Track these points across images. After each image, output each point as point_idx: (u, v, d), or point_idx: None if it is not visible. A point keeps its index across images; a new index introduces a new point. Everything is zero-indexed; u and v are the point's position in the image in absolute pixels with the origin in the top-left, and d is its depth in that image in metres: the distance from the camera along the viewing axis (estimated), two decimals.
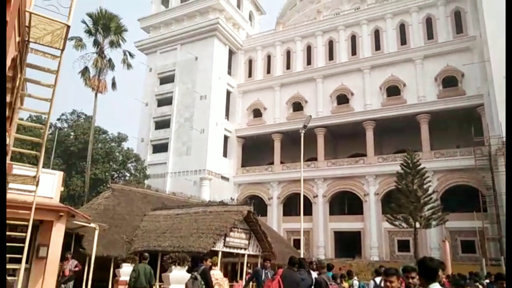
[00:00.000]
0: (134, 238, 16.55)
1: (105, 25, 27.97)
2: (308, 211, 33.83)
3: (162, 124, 40.75)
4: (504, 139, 25.05)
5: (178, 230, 15.90)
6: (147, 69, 43.73)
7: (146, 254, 10.74)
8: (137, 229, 17.24)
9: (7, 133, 5.39)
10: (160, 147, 39.85)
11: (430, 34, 34.68)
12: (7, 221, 7.49)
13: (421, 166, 25.00)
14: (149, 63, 43.82)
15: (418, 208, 23.63)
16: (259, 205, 35.99)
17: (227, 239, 15.11)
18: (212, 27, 40.24)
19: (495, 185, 25.77)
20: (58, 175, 11.56)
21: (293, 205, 35.68)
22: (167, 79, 42.14)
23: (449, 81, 32.58)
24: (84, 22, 27.87)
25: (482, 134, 28.83)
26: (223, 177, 38.28)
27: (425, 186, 24.69)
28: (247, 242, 16.20)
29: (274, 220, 35.72)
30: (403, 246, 30.54)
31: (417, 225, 23.74)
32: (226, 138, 40.14)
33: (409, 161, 24.97)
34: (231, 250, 15.68)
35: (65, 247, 11.58)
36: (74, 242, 13.99)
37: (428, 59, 33.80)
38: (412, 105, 33.22)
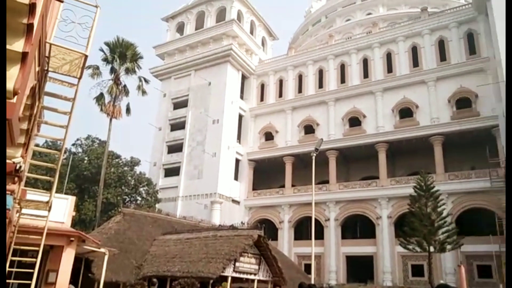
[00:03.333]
0: (144, 263, 16.57)
1: (121, 53, 28.83)
2: (320, 235, 33.39)
3: (175, 148, 41.23)
4: None
5: (187, 255, 15.89)
6: (161, 94, 44.63)
7: (155, 279, 10.75)
8: (147, 254, 17.27)
9: (22, 159, 5.57)
10: (172, 171, 40.18)
11: (443, 56, 34.72)
12: (19, 247, 7.62)
13: (435, 189, 24.52)
14: (164, 88, 44.76)
15: (432, 231, 23.10)
16: (270, 229, 35.70)
17: (237, 264, 14.99)
18: (226, 53, 41.09)
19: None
20: (71, 200, 11.76)
21: (304, 229, 35.25)
22: (180, 104, 42.89)
23: (463, 103, 32.35)
24: (101, 50, 28.83)
25: (497, 155, 28.32)
26: (234, 201, 38.23)
27: (439, 209, 24.18)
28: (257, 267, 16.04)
29: (285, 244, 35.29)
30: (417, 271, 29.70)
31: (431, 249, 23.16)
32: (237, 161, 40.29)
33: (422, 184, 24.58)
34: (241, 276, 15.55)
35: (75, 272, 11.62)
36: (83, 267, 14.04)
37: (441, 81, 33.71)
38: (425, 126, 33.00)
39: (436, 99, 33.42)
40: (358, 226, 35.62)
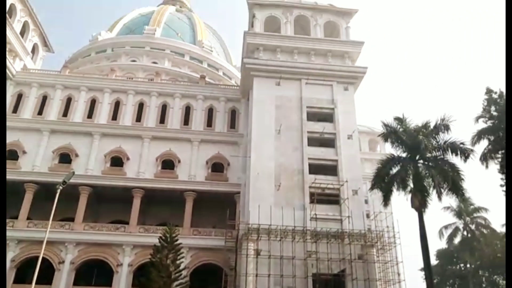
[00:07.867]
0: None
1: None
2: (48, 279, 29.41)
3: None
4: (251, 225, 28.92)
5: None
6: None
7: None
8: None
9: None
10: None
11: (209, 122, 38.71)
12: None
13: (178, 242, 25.96)
14: None
15: (168, 283, 24.08)
16: None
17: None
18: None
19: (237, 266, 29.01)
20: None
21: (31, 271, 30.16)
22: None
23: (218, 167, 36.46)
24: None
25: (234, 218, 32.65)
26: None
27: (178, 262, 25.60)
28: None
29: None
30: None
31: None
32: None
33: (168, 235, 25.66)
34: None
35: None
36: None
37: (204, 144, 37.20)
38: (182, 181, 35.14)
39: (197, 158, 36.49)
40: (95, 272, 33.17)
